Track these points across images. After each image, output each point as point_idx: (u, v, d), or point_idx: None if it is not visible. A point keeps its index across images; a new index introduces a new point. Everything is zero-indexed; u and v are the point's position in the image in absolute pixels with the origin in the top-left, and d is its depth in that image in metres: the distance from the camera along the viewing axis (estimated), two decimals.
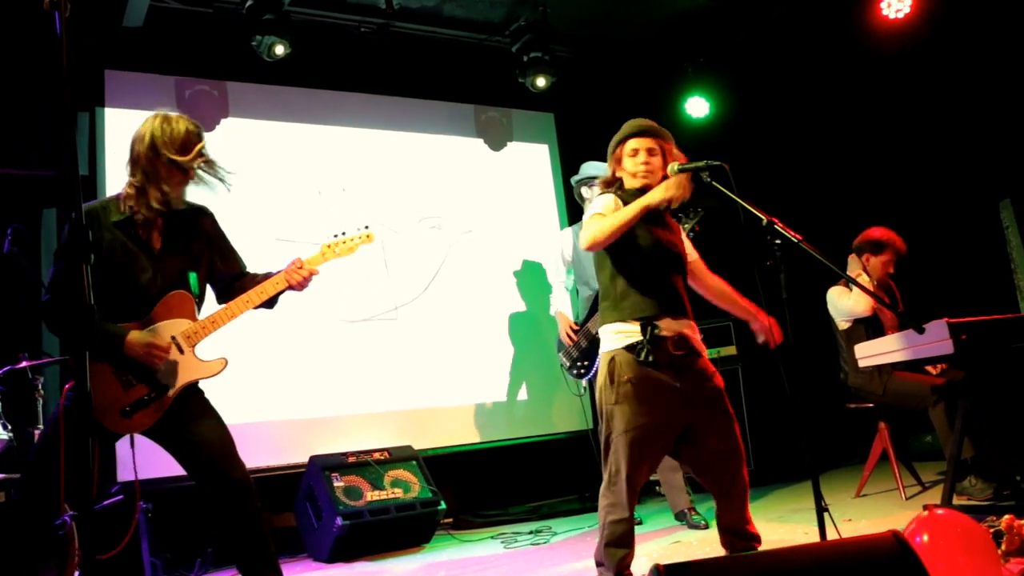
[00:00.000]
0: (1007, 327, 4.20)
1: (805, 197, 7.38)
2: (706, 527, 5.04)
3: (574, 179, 5.75)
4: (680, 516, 5.26)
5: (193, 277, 3.38)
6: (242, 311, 3.39)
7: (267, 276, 3.47)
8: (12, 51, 5.47)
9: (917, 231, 5.46)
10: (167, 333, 3.25)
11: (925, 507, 2.96)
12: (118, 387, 3.16)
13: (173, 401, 3.25)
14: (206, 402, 3.39)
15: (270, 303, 3.52)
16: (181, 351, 3.28)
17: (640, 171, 3.40)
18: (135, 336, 3.17)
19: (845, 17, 6.83)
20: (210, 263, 3.48)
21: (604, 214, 3.31)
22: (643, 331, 3.21)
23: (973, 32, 6.39)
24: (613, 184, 3.50)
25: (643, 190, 3.38)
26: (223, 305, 3.42)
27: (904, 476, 5.38)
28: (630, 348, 3.24)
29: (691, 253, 3.59)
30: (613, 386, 3.26)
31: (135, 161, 3.29)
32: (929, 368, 5.24)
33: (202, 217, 3.49)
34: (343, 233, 3.64)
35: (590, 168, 5.64)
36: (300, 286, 3.46)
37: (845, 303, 5.32)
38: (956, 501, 4.54)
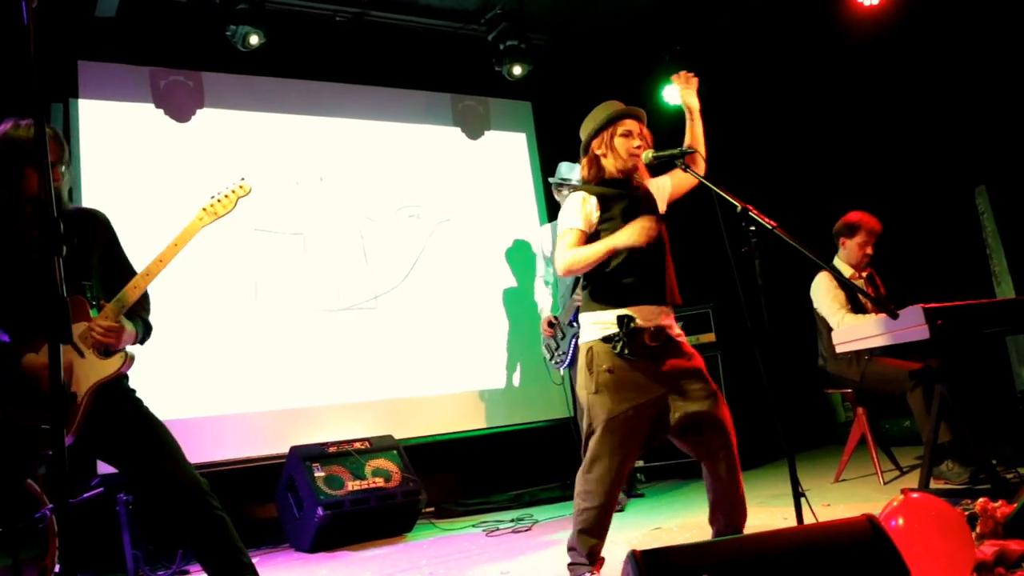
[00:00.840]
0: (982, 312, 4.23)
1: (779, 186, 7.40)
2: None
3: (552, 180, 5.88)
4: None
5: (89, 285, 3.24)
6: (135, 297, 3.19)
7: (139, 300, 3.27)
8: None
9: (895, 218, 5.49)
10: None
11: (902, 491, 2.99)
12: (38, 405, 3.01)
13: (90, 408, 3.09)
14: (137, 407, 3.24)
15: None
16: (82, 354, 3.12)
17: (636, 153, 3.40)
18: (30, 359, 3.03)
19: (821, 5, 6.85)
20: (104, 271, 3.31)
21: (574, 232, 3.36)
22: (619, 324, 3.24)
23: (947, 20, 6.42)
24: (593, 169, 3.49)
25: (625, 174, 3.43)
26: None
27: (882, 460, 5.42)
28: (607, 339, 3.27)
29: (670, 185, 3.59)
30: (592, 376, 3.30)
31: None
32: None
33: (96, 223, 3.33)
34: (219, 192, 3.50)
35: (564, 170, 5.76)
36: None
37: (824, 304, 5.30)
38: (933, 485, 4.57)
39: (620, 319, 3.24)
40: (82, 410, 3.09)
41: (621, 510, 5.43)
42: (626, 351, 3.22)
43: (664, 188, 3.57)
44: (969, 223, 6.73)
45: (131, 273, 3.34)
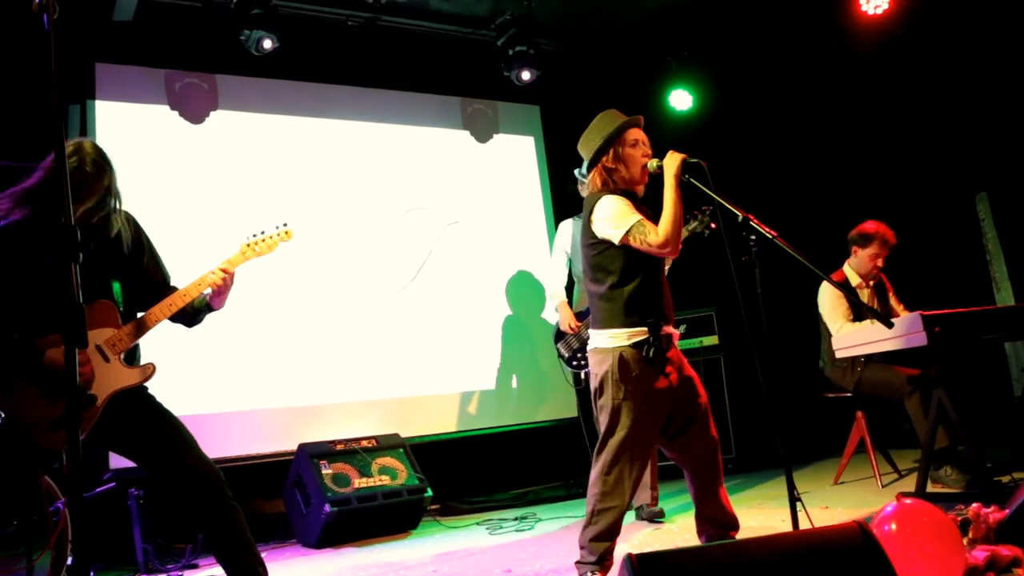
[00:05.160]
0: (979, 319, 4.30)
1: (785, 191, 7.45)
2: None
3: (578, 172, 5.81)
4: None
5: (116, 286, 3.32)
6: (165, 315, 3.32)
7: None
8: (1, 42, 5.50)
9: (896, 224, 5.55)
10: (91, 343, 3.16)
11: (897, 496, 3.07)
12: (44, 401, 3.06)
13: (105, 410, 3.17)
14: (152, 403, 3.33)
15: (190, 319, 3.48)
16: (107, 359, 3.21)
17: (645, 161, 3.46)
18: (54, 353, 3.06)
19: (826, 13, 6.91)
20: (133, 272, 3.40)
21: (643, 221, 3.34)
22: (651, 331, 3.31)
23: (950, 28, 6.47)
24: (606, 182, 3.50)
25: (636, 184, 3.50)
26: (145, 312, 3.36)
27: (880, 464, 5.48)
28: (637, 346, 3.33)
29: None
30: (622, 383, 3.32)
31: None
32: None
33: (126, 225, 3.39)
34: (262, 232, 3.63)
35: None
36: (217, 288, 3.39)
37: (827, 312, 5.36)
38: (930, 489, 4.61)
39: (651, 324, 3.31)
40: (99, 413, 3.17)
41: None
42: (651, 354, 3.30)
43: None
44: (969, 229, 6.79)
45: (157, 283, 3.45)
